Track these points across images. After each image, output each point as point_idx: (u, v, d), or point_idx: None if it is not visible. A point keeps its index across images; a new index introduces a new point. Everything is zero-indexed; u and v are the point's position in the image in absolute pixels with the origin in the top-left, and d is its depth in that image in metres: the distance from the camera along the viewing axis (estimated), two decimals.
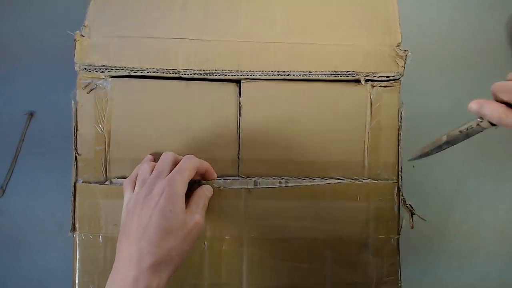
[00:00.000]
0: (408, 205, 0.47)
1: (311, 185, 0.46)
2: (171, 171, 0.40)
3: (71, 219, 0.45)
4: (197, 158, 0.42)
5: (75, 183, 0.45)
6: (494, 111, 0.36)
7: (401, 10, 0.49)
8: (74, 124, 0.46)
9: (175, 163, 0.41)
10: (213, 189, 0.44)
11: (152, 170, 0.41)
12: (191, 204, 0.40)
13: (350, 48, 0.47)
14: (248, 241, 0.45)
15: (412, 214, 0.47)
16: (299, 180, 0.46)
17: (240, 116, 0.46)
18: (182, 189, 0.39)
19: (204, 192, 0.42)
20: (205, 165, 0.43)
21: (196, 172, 0.42)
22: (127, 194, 0.41)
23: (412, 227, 0.48)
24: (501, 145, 0.64)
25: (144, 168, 0.42)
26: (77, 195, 0.45)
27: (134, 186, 0.41)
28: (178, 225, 0.37)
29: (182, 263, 0.38)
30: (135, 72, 0.46)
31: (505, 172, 0.63)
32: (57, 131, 0.58)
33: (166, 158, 0.42)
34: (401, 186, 0.46)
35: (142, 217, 0.38)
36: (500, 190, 0.63)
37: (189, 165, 0.40)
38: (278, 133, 0.46)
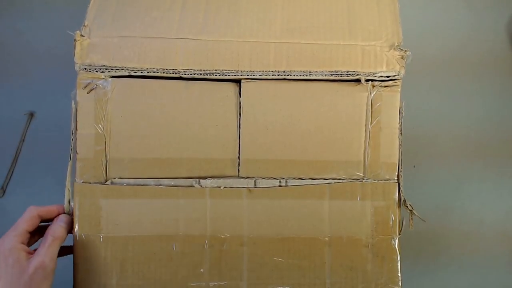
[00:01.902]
0: (408, 205, 0.47)
1: (311, 185, 0.46)
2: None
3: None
4: (29, 212, 0.42)
5: (73, 183, 0.45)
6: None
7: (401, 10, 0.49)
8: (73, 124, 0.46)
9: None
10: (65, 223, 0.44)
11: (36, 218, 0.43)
12: (40, 245, 0.40)
13: (350, 48, 0.47)
14: (248, 241, 0.45)
15: (412, 214, 0.47)
16: (299, 180, 0.46)
17: (240, 116, 0.46)
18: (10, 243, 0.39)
19: (52, 228, 0.42)
20: (50, 210, 0.44)
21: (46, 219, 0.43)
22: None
23: (412, 227, 0.48)
24: (501, 145, 0.64)
25: (26, 215, 0.43)
26: (77, 195, 0.45)
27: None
28: (13, 278, 0.38)
29: None
30: (135, 72, 0.46)
31: (505, 172, 0.64)
32: (57, 131, 0.58)
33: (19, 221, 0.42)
34: (401, 186, 0.46)
35: None
36: (500, 190, 0.63)
37: (22, 223, 0.41)
38: (278, 133, 0.46)
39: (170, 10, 0.48)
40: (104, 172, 0.46)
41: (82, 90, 0.46)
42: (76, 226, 0.45)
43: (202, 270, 0.45)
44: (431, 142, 0.63)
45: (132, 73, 0.46)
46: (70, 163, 0.45)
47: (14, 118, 0.60)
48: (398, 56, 0.46)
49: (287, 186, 0.46)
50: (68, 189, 0.45)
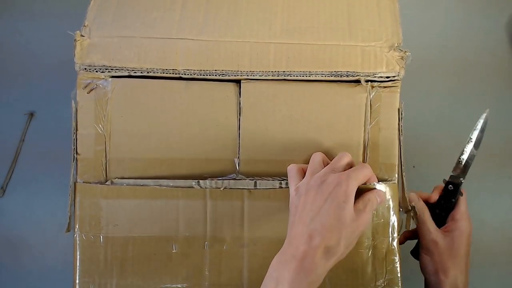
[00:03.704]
0: (410, 206, 0.47)
1: None
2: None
3: (68, 219, 0.45)
4: (369, 168, 0.42)
5: (75, 183, 0.45)
6: None
7: (401, 11, 0.49)
8: (74, 124, 0.46)
9: (349, 166, 0.42)
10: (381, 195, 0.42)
11: (323, 162, 0.42)
12: (359, 202, 0.40)
13: (350, 48, 0.46)
14: (249, 242, 0.45)
15: (412, 215, 0.47)
16: None
17: (240, 116, 0.46)
18: (355, 188, 0.39)
19: (375, 195, 0.41)
20: (373, 179, 0.43)
21: None
22: (294, 180, 0.42)
23: (410, 227, 0.48)
24: (501, 145, 0.64)
25: (317, 158, 0.42)
26: (77, 195, 0.45)
27: (302, 174, 0.42)
28: (349, 218, 0.38)
29: (344, 255, 0.38)
30: (135, 72, 0.46)
31: (505, 172, 0.64)
32: (57, 131, 0.58)
33: (343, 158, 0.41)
34: (405, 186, 0.46)
35: (315, 202, 0.38)
36: (500, 190, 0.63)
37: (364, 171, 0.40)
38: (278, 133, 0.46)
39: (170, 10, 0.48)
40: (104, 172, 0.46)
41: (82, 90, 0.46)
42: (76, 226, 0.45)
43: (202, 271, 0.45)
44: (431, 142, 0.63)
45: (132, 73, 0.46)
46: (73, 163, 0.45)
47: (14, 118, 0.60)
48: (398, 57, 0.46)
49: (288, 187, 0.46)
50: (72, 188, 0.45)
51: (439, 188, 0.50)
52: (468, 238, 0.47)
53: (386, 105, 0.46)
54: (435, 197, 0.49)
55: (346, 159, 0.41)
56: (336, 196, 0.38)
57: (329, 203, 0.38)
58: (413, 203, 0.47)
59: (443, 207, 0.49)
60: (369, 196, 0.40)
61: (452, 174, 0.49)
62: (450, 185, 0.48)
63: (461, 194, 0.48)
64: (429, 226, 0.47)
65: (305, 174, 0.42)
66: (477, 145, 0.48)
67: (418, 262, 0.49)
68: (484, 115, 0.49)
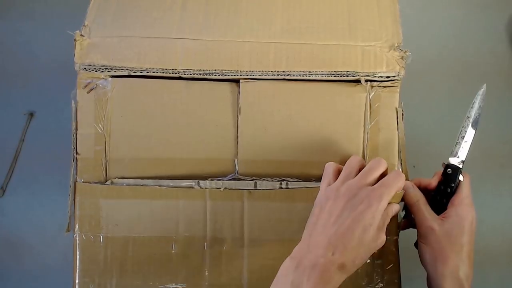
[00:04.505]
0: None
1: (312, 187, 0.45)
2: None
3: (68, 219, 0.45)
4: (404, 178, 0.41)
5: (75, 183, 0.45)
6: None
7: (401, 11, 0.49)
8: (74, 123, 0.46)
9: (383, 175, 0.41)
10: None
11: (359, 167, 0.41)
12: (380, 219, 0.39)
13: (350, 48, 0.46)
14: (249, 242, 0.45)
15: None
16: (300, 182, 0.46)
17: (239, 116, 0.46)
18: (384, 208, 0.39)
19: (391, 210, 0.41)
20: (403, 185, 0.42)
21: None
22: (327, 178, 0.42)
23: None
24: (501, 145, 0.64)
25: (354, 163, 0.41)
26: (77, 195, 0.45)
27: (337, 175, 0.42)
28: (371, 240, 0.38)
29: (350, 273, 0.38)
30: (135, 72, 0.46)
31: (505, 172, 0.63)
32: (57, 131, 0.58)
33: (379, 169, 0.41)
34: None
35: (342, 217, 0.38)
36: (500, 190, 0.63)
37: (398, 184, 0.40)
38: (277, 133, 0.46)
39: (170, 10, 0.48)
40: (104, 172, 0.46)
41: (82, 89, 0.46)
42: (76, 226, 0.45)
43: (201, 271, 0.45)
44: (431, 142, 0.63)
45: (132, 73, 0.46)
46: (73, 163, 0.45)
47: (14, 118, 0.60)
48: (398, 57, 0.46)
49: (288, 188, 0.46)
50: (72, 188, 0.45)
51: (439, 173, 0.46)
52: (470, 225, 0.42)
53: (385, 105, 0.46)
54: (434, 182, 0.46)
55: (381, 169, 0.41)
56: (363, 217, 0.37)
57: (356, 223, 0.37)
58: (407, 190, 0.44)
59: (443, 192, 0.45)
60: (387, 211, 0.40)
61: (450, 157, 0.45)
62: (449, 169, 0.45)
63: (462, 179, 0.45)
64: (425, 212, 0.43)
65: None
66: (474, 124, 0.45)
67: (418, 262, 0.49)
68: (480, 91, 0.46)
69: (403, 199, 0.44)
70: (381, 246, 0.39)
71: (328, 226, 0.38)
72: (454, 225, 0.42)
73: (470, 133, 0.45)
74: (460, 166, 0.45)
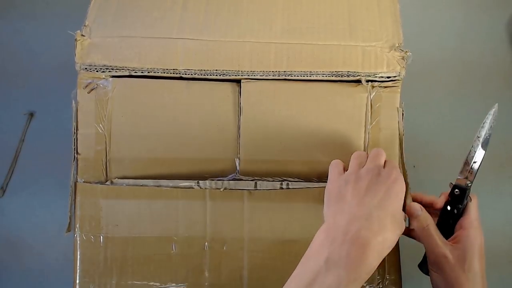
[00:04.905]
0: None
1: (313, 188, 0.45)
2: None
3: (68, 219, 0.45)
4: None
5: (75, 183, 0.45)
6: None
7: (401, 11, 0.49)
8: (74, 123, 0.46)
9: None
10: None
11: (366, 157, 0.42)
12: None
13: (350, 48, 0.47)
14: (249, 243, 0.45)
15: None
16: (300, 182, 0.46)
17: (240, 116, 0.46)
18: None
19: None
20: None
21: None
22: (336, 168, 0.42)
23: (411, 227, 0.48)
24: (501, 145, 0.64)
25: (362, 153, 0.42)
26: (77, 195, 0.45)
27: (343, 169, 0.42)
28: (400, 218, 0.37)
29: (386, 254, 0.36)
30: (135, 72, 0.46)
31: (505, 172, 0.64)
32: (57, 131, 0.58)
33: (382, 154, 0.41)
34: (408, 186, 0.46)
35: (373, 190, 0.38)
36: (500, 190, 0.63)
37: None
38: (278, 133, 0.46)
39: (170, 10, 0.48)
40: (104, 172, 0.46)
41: (83, 90, 0.46)
42: (77, 226, 0.45)
43: (202, 271, 0.45)
44: (431, 142, 0.63)
45: (133, 73, 0.46)
46: (73, 163, 0.45)
47: (14, 118, 0.60)
48: (398, 57, 0.46)
49: (288, 188, 0.46)
50: (72, 188, 0.45)
51: (445, 194, 0.45)
52: (480, 249, 0.41)
53: (386, 105, 0.46)
54: (441, 203, 0.44)
55: (384, 155, 0.41)
56: (395, 190, 0.38)
57: (390, 196, 0.37)
58: (417, 213, 0.42)
59: (450, 214, 0.43)
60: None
61: (458, 177, 0.44)
62: (457, 190, 0.43)
63: (470, 200, 0.43)
64: (436, 239, 0.41)
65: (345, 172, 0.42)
66: (485, 144, 0.43)
67: (417, 262, 0.49)
68: (492, 111, 0.44)
69: (411, 223, 0.43)
70: (404, 228, 0.38)
71: (362, 198, 0.37)
72: (467, 250, 0.41)
73: (479, 153, 0.43)
74: (468, 188, 0.43)
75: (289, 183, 0.46)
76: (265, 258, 0.45)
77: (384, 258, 0.45)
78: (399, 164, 0.46)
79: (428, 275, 0.43)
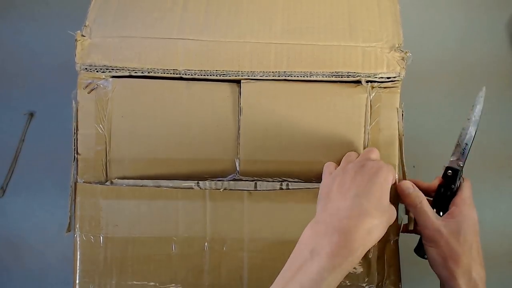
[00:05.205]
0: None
1: (313, 188, 0.45)
2: None
3: (68, 219, 0.45)
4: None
5: (75, 183, 0.45)
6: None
7: (401, 11, 0.49)
8: (74, 124, 0.46)
9: None
10: None
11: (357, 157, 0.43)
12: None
13: (350, 49, 0.46)
14: (249, 243, 0.45)
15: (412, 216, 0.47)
16: (300, 183, 0.46)
17: (240, 116, 0.46)
18: (392, 178, 0.40)
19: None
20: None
21: None
22: (328, 169, 0.43)
23: (410, 227, 0.48)
24: (501, 145, 0.64)
25: (353, 153, 0.44)
26: (77, 195, 0.45)
27: (333, 168, 0.43)
28: (388, 204, 0.38)
29: (374, 243, 0.37)
30: (136, 72, 0.46)
31: (505, 172, 0.64)
32: (57, 131, 0.58)
33: (374, 152, 0.42)
34: None
35: (356, 181, 0.38)
36: (500, 190, 0.63)
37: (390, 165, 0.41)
38: (278, 134, 0.46)
39: (171, 11, 0.48)
40: (104, 172, 0.46)
41: (83, 90, 0.46)
42: (77, 227, 0.45)
43: (201, 272, 0.45)
44: (431, 142, 0.63)
45: (133, 73, 0.46)
46: (73, 163, 0.45)
47: (14, 118, 0.60)
48: (398, 57, 0.46)
49: (288, 189, 0.46)
50: (72, 188, 0.45)
51: (439, 177, 0.46)
52: (474, 225, 0.42)
53: (386, 105, 0.46)
54: (435, 185, 0.46)
55: (376, 152, 0.42)
56: (378, 178, 0.38)
57: (373, 183, 0.37)
58: (408, 191, 0.43)
59: (444, 195, 0.45)
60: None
61: (451, 159, 0.45)
62: (449, 171, 0.45)
63: (463, 181, 0.45)
64: (430, 214, 0.42)
65: None
66: (475, 126, 0.45)
67: (417, 263, 0.49)
68: (481, 93, 0.46)
69: (403, 202, 0.44)
70: (394, 218, 0.39)
71: (345, 191, 0.38)
72: (460, 224, 0.42)
73: (470, 135, 0.45)
74: (461, 168, 0.45)
75: (289, 183, 0.46)
76: (265, 258, 0.45)
77: (384, 259, 0.46)
78: (399, 164, 0.46)
79: (425, 258, 0.44)
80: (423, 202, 0.43)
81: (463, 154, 0.45)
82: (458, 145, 0.46)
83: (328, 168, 0.44)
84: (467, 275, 0.40)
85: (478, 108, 0.46)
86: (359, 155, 0.44)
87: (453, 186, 0.45)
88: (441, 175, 0.46)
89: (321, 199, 0.41)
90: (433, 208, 0.44)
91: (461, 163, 0.45)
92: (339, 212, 0.36)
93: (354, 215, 0.36)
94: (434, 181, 0.46)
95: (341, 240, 0.35)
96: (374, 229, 0.36)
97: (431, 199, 0.46)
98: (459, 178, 0.45)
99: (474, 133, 0.45)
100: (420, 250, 0.46)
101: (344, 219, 0.36)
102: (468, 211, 0.43)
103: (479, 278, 0.40)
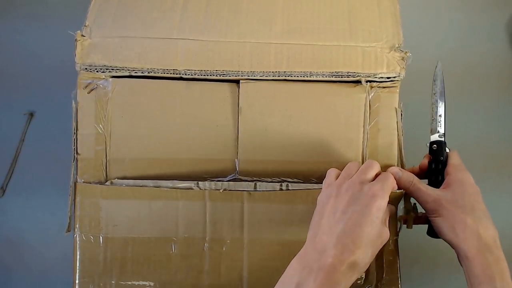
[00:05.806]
0: (412, 204, 0.47)
1: (312, 189, 0.45)
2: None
3: (68, 219, 0.45)
4: (394, 179, 0.41)
5: (75, 183, 0.45)
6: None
7: (401, 11, 0.49)
8: (74, 124, 0.46)
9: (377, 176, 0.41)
10: None
11: (358, 169, 0.41)
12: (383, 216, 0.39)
13: (350, 49, 0.47)
14: (249, 244, 0.45)
15: (412, 214, 0.47)
16: (300, 183, 0.46)
17: (239, 116, 0.46)
18: (386, 202, 0.39)
19: (390, 207, 0.42)
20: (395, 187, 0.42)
21: None
22: (328, 178, 0.42)
23: (411, 227, 0.48)
24: (501, 145, 0.64)
25: (353, 165, 0.42)
26: (77, 195, 0.45)
27: (334, 177, 0.42)
28: (377, 235, 0.38)
29: (364, 270, 0.38)
30: (135, 72, 0.46)
31: (505, 172, 0.64)
32: (57, 131, 0.58)
33: (373, 168, 0.41)
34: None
35: (347, 212, 0.38)
36: (500, 190, 0.63)
37: (392, 183, 0.40)
38: (277, 134, 0.46)
39: (170, 11, 0.48)
40: (104, 172, 0.46)
41: (83, 90, 0.46)
42: (76, 226, 0.45)
43: (201, 272, 0.45)
44: None
45: (133, 73, 0.46)
46: (73, 163, 0.45)
47: (14, 118, 0.60)
48: (398, 58, 0.46)
49: (288, 190, 0.46)
50: (72, 188, 0.45)
51: (426, 155, 0.47)
52: (472, 186, 0.43)
53: (385, 105, 0.46)
54: (425, 163, 0.47)
55: (376, 168, 0.41)
56: (370, 211, 0.37)
57: (363, 217, 0.37)
58: (398, 175, 0.43)
59: (435, 170, 0.46)
60: (388, 208, 0.40)
61: (431, 135, 0.47)
62: (434, 145, 0.47)
63: (448, 151, 0.47)
64: (424, 189, 0.43)
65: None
66: (442, 96, 0.48)
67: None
68: (437, 68, 0.49)
69: (398, 188, 0.44)
70: (386, 241, 0.39)
71: (334, 224, 0.38)
72: (458, 189, 0.42)
73: (441, 106, 0.48)
74: (443, 139, 0.47)
75: (289, 184, 0.46)
76: (265, 259, 0.45)
77: (383, 258, 0.46)
78: (398, 164, 0.46)
79: (439, 238, 0.44)
80: (415, 180, 0.43)
81: (440, 126, 0.47)
82: (433, 119, 0.48)
83: (329, 176, 0.42)
84: (475, 235, 0.40)
85: (439, 81, 0.49)
86: (360, 164, 0.42)
87: (441, 157, 0.46)
88: (426, 155, 0.47)
89: (313, 225, 0.40)
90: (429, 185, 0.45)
91: (441, 135, 0.47)
92: (326, 250, 0.36)
93: (338, 253, 0.36)
94: (423, 161, 0.47)
95: (325, 278, 0.35)
96: (359, 265, 0.36)
97: (427, 180, 0.47)
98: (445, 149, 0.46)
99: (444, 103, 0.48)
100: (431, 232, 0.45)
101: (329, 258, 0.36)
102: (461, 175, 0.43)
103: (489, 237, 0.40)
